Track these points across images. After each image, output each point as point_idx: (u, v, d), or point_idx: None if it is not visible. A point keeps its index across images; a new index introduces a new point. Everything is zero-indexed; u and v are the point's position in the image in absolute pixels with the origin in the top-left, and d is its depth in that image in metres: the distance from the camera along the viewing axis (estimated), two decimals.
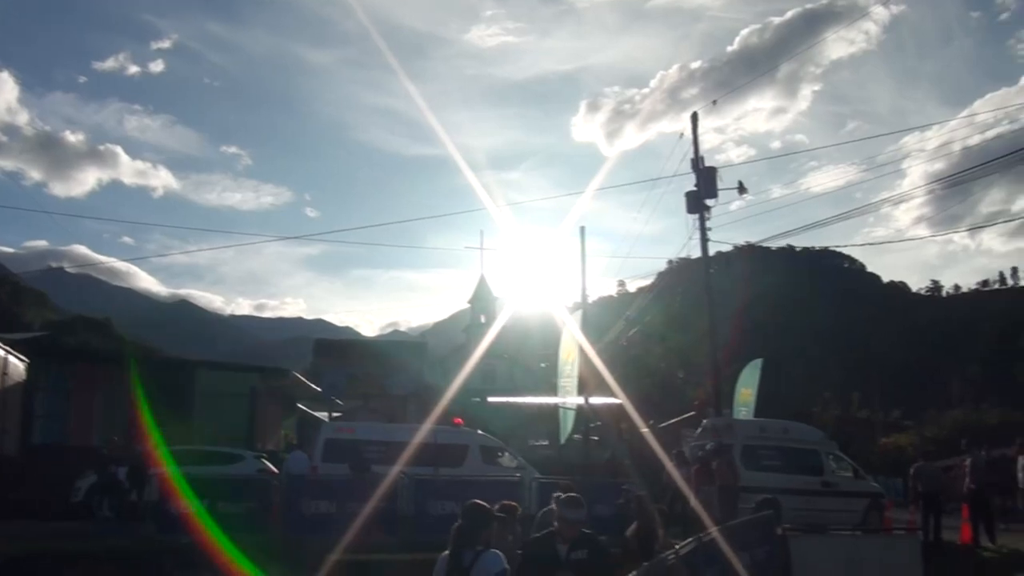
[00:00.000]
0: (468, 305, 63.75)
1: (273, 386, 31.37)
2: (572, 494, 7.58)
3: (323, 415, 36.55)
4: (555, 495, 6.98)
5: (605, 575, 6.99)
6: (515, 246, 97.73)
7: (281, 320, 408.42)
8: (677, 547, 8.81)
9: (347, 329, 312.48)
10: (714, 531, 11.97)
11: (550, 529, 6.98)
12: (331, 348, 54.64)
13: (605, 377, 25.52)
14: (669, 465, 18.86)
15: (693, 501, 16.84)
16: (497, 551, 5.86)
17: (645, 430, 24.64)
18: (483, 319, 59.89)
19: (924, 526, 18.29)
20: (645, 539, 8.07)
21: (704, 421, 24.09)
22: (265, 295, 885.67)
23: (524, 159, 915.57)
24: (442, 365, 55.03)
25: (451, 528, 5.89)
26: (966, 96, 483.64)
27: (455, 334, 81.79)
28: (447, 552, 5.83)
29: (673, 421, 25.06)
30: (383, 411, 38.58)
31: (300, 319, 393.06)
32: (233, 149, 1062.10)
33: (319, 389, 35.22)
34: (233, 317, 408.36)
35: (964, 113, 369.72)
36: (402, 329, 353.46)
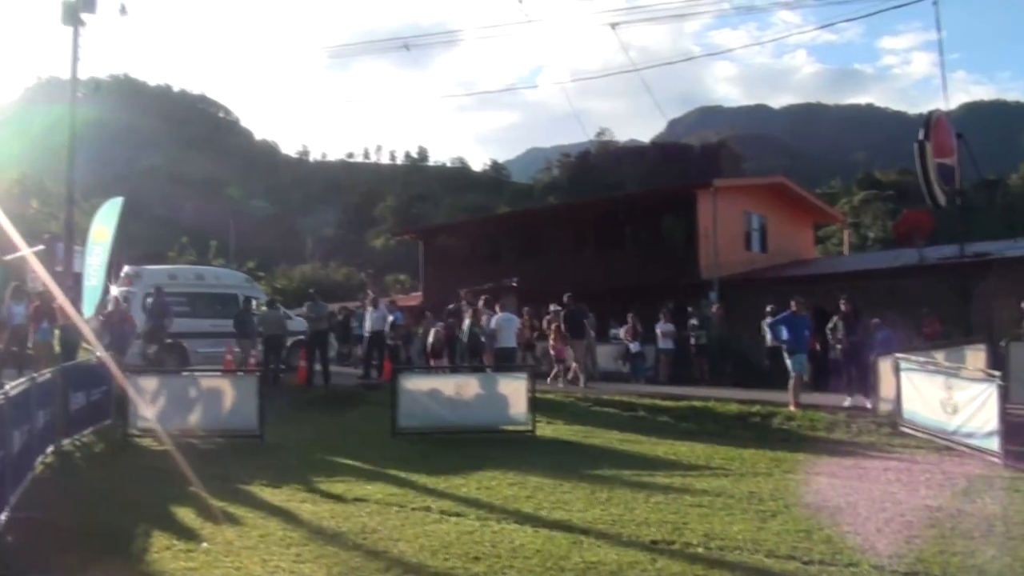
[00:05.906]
0: None
1: None
2: None
3: None
4: None
5: None
6: None
7: None
8: (7, 387, 8.31)
9: None
10: (50, 371, 11.55)
11: None
12: None
13: None
14: (63, 300, 17.89)
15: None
16: None
17: None
18: None
19: (265, 364, 19.75)
20: None
21: (125, 268, 22.96)
22: None
23: None
24: None
25: None
26: None
27: None
28: None
29: (18, 254, 22.94)
30: None
31: None
32: None
33: None
34: None
35: None
36: None
